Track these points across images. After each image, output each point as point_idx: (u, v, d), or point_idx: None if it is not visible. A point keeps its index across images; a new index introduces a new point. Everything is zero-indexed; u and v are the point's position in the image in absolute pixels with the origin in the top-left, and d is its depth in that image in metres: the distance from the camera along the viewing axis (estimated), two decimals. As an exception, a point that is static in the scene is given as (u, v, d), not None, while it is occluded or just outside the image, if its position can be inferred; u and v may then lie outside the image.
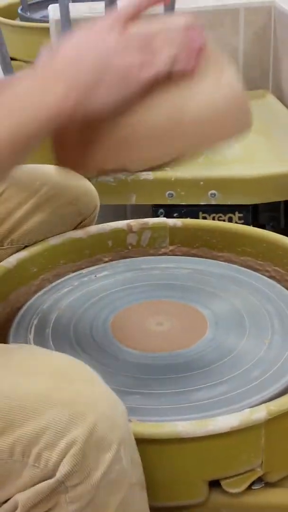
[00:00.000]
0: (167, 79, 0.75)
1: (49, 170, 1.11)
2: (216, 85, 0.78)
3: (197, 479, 0.84)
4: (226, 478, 0.85)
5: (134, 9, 0.79)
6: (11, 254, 1.10)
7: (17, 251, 1.11)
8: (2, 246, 1.10)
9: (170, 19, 0.77)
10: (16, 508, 0.71)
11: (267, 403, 0.83)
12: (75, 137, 0.79)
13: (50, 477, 0.69)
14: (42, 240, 1.13)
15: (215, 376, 0.91)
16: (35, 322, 1.01)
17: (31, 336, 0.97)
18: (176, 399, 0.87)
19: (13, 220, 1.09)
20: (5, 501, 0.73)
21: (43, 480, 0.69)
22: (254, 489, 0.86)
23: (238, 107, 0.82)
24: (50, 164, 1.15)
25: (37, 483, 0.69)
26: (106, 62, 0.71)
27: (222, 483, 0.85)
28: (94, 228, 1.18)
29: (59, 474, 0.68)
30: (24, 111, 0.69)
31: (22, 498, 0.70)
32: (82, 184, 1.15)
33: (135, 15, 0.79)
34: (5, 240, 1.10)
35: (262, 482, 0.87)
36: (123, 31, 0.73)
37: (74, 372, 0.74)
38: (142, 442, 0.75)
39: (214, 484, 0.85)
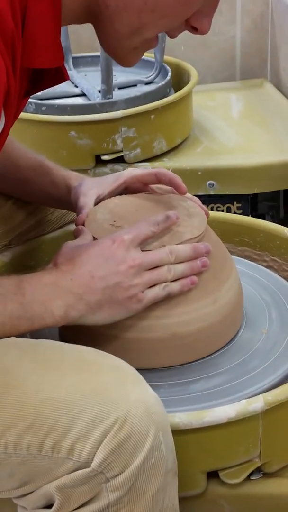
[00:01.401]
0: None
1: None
2: (213, 302, 0.89)
3: (196, 471, 0.84)
4: (224, 469, 0.85)
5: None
6: None
7: None
8: (10, 245, 1.10)
9: (178, 247, 0.86)
10: (44, 498, 0.72)
11: (264, 393, 0.83)
12: None
13: (85, 467, 0.69)
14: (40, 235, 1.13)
15: (212, 367, 0.91)
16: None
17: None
18: (173, 391, 0.87)
19: (20, 217, 1.10)
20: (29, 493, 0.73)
21: (79, 470, 0.70)
22: (252, 479, 0.86)
23: (232, 321, 0.93)
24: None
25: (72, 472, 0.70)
26: (115, 285, 0.80)
27: (221, 474, 0.85)
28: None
29: (94, 464, 0.69)
30: (21, 320, 0.76)
31: (57, 485, 0.70)
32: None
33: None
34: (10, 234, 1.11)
35: (261, 472, 0.87)
36: (138, 251, 0.82)
37: (102, 362, 0.74)
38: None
39: (213, 475, 0.85)
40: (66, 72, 0.82)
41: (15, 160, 1.01)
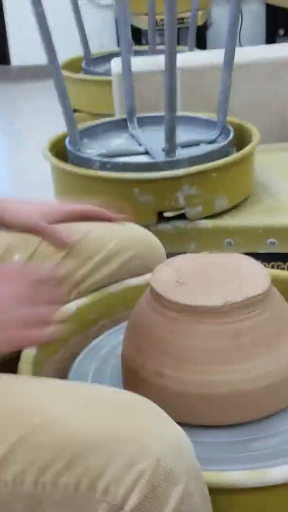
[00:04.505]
0: None
1: (115, 225, 1.16)
2: (277, 359, 0.88)
3: (252, 531, 0.83)
4: (281, 531, 0.83)
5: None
6: None
7: None
8: (69, 296, 1.12)
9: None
10: None
11: None
12: None
13: (119, 510, 0.69)
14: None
15: (270, 426, 0.90)
16: (93, 367, 1.02)
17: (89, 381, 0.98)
18: (231, 449, 0.87)
19: (81, 273, 1.11)
20: None
21: None
22: None
23: None
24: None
25: None
26: None
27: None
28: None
29: (128, 507, 0.69)
30: None
31: None
32: (149, 239, 1.19)
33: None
34: (73, 291, 1.12)
35: None
36: None
37: (139, 407, 0.75)
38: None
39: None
40: None
41: None
